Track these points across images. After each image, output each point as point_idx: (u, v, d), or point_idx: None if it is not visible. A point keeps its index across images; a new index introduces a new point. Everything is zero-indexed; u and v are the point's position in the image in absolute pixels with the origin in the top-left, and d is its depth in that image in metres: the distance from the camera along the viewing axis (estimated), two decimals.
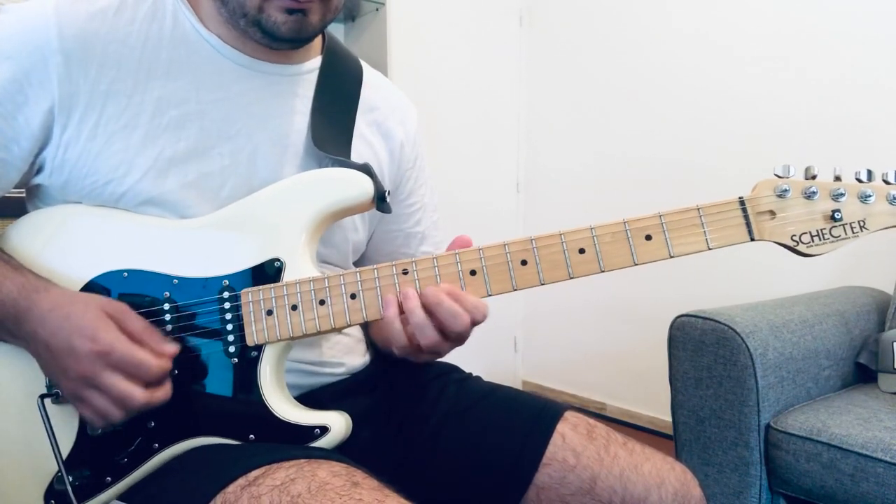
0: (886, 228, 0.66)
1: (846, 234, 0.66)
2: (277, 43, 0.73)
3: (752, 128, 2.03)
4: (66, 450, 0.68)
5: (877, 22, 1.77)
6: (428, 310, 0.65)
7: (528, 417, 0.78)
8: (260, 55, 0.76)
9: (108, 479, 0.67)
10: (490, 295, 0.68)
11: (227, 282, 0.69)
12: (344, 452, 0.68)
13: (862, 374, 1.47)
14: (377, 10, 2.24)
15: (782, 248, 0.68)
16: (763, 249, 0.71)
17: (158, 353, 0.65)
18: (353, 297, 0.68)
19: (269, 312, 0.68)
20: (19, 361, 0.68)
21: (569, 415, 0.79)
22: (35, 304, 0.64)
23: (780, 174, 0.67)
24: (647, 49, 2.30)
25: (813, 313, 1.41)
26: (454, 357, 0.81)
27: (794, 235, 0.67)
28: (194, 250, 0.70)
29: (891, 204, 0.65)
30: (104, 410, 0.63)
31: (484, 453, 0.77)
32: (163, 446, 0.68)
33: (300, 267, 0.69)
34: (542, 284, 0.68)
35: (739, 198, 0.67)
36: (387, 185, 0.86)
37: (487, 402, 0.82)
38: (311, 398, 0.77)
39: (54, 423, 0.66)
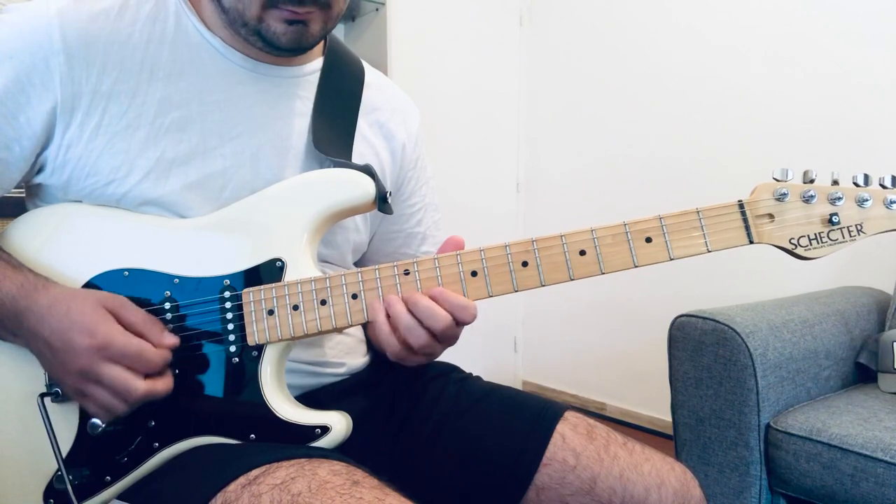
0: (883, 232, 0.66)
1: (844, 237, 0.66)
2: (278, 52, 0.74)
3: (753, 128, 2.03)
4: (65, 449, 0.68)
5: (877, 22, 1.77)
6: (409, 311, 0.66)
7: (528, 417, 0.78)
8: (262, 57, 0.76)
9: (108, 478, 0.67)
10: (491, 296, 0.68)
11: (228, 281, 0.69)
12: (344, 452, 0.68)
13: (862, 374, 1.47)
14: (377, 10, 2.24)
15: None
16: (763, 250, 0.71)
17: (158, 343, 0.65)
18: (354, 297, 0.68)
19: (271, 312, 0.68)
20: (19, 360, 0.68)
21: (569, 415, 0.79)
22: (35, 303, 0.64)
23: (779, 178, 0.67)
24: (648, 50, 2.30)
25: (813, 313, 1.41)
26: (454, 357, 0.81)
27: (793, 239, 0.67)
28: (195, 250, 0.70)
29: (887, 208, 0.66)
30: (107, 404, 0.63)
31: (484, 453, 0.77)
32: (163, 446, 0.68)
33: (301, 267, 0.70)
34: (543, 286, 0.68)
35: (739, 201, 0.67)
36: (388, 186, 0.86)
37: (487, 402, 0.82)
38: (311, 398, 0.77)
39: (54, 421, 0.66)
